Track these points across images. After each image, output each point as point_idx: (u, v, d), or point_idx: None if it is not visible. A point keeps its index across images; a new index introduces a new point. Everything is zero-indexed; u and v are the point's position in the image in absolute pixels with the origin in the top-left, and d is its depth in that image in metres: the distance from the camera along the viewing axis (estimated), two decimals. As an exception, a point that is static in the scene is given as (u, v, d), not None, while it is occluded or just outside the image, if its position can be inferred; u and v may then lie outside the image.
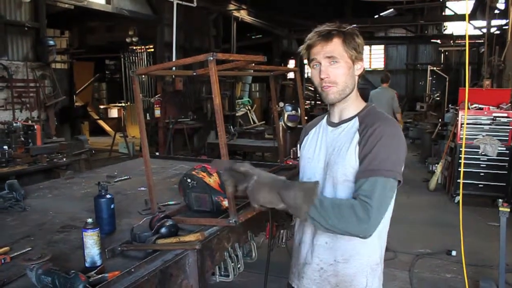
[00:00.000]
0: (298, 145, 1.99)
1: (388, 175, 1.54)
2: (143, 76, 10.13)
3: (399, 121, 8.37)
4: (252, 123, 14.58)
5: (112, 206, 2.25)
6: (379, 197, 1.51)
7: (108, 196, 2.25)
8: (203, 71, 2.66)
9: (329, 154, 1.71)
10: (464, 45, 16.10)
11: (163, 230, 2.03)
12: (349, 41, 1.65)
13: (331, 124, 1.78)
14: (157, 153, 8.48)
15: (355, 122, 1.70)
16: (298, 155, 1.96)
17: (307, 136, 1.89)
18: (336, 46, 1.63)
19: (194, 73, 2.90)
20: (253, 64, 3.22)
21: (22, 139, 5.16)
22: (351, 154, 1.62)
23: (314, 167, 1.75)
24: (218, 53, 2.14)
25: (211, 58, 2.02)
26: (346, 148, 1.64)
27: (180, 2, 9.43)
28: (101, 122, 14.99)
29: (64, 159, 5.32)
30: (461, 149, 6.63)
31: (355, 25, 1.74)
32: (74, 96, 11.59)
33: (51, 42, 7.05)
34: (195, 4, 9.69)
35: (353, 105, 1.73)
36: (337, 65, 1.64)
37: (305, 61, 1.77)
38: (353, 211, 1.47)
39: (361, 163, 1.59)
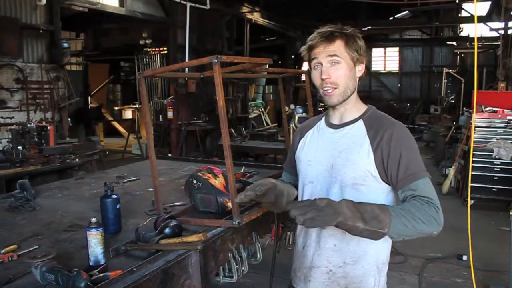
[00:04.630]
0: (292, 147, 1.94)
1: (425, 174, 1.59)
2: (157, 78, 10.20)
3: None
4: (265, 125, 14.58)
5: (117, 206, 2.28)
6: (434, 195, 1.55)
7: (114, 196, 2.28)
8: (209, 73, 2.68)
9: (334, 156, 1.68)
10: (481, 47, 15.88)
11: (166, 230, 2.05)
12: (351, 43, 1.64)
13: (331, 125, 1.76)
14: (169, 155, 8.55)
15: (360, 125, 1.69)
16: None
17: (304, 139, 1.86)
18: (338, 47, 1.63)
19: (202, 75, 2.92)
20: (267, 66, 3.23)
21: (36, 139, 5.23)
22: (362, 159, 1.62)
23: (316, 169, 1.73)
24: (229, 55, 2.17)
25: (216, 61, 2.04)
26: (356, 152, 1.63)
27: (193, 4, 9.49)
28: (115, 124, 15.13)
29: (77, 160, 5.38)
30: (473, 152, 6.55)
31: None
32: (89, 98, 11.74)
33: (65, 45, 7.18)
34: (208, 7, 9.75)
35: (355, 107, 1.73)
36: (338, 66, 1.63)
37: (306, 63, 1.75)
38: (427, 213, 1.49)
39: (391, 171, 1.59)
